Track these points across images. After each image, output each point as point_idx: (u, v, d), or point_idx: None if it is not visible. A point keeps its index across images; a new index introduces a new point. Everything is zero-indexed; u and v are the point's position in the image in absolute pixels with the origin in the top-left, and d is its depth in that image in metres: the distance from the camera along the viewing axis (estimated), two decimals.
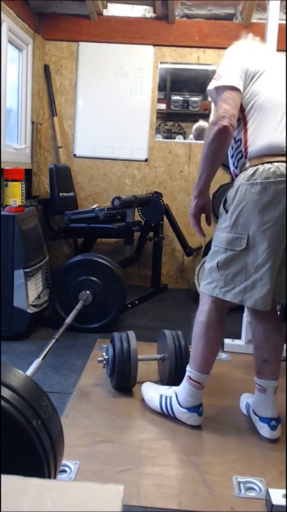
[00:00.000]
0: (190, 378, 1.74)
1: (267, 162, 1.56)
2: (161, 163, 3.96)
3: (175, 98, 3.90)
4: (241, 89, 1.61)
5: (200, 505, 1.35)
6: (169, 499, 1.36)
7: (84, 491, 0.53)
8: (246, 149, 1.63)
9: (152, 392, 1.89)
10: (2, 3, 3.00)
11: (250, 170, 1.59)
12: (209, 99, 1.69)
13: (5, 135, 3.27)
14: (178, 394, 1.78)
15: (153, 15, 3.81)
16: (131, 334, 2.06)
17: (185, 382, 1.76)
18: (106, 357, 2.02)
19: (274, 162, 1.56)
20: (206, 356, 1.73)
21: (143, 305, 3.18)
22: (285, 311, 2.35)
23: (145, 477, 1.46)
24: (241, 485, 1.44)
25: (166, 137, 3.98)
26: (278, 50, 2.46)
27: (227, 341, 2.54)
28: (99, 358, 2.05)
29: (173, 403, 1.78)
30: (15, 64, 3.62)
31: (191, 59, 3.86)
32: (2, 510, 0.48)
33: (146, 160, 3.97)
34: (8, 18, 3.21)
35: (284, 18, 3.23)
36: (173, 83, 3.95)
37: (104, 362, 2.03)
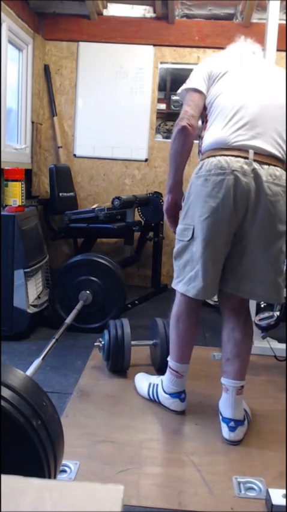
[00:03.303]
0: (170, 367, 1.85)
1: (211, 156, 1.63)
2: (161, 163, 3.96)
3: (175, 98, 3.90)
4: (204, 91, 1.71)
5: (200, 505, 1.35)
6: (169, 499, 1.36)
7: (84, 491, 0.53)
8: (201, 145, 1.74)
9: (143, 382, 2.00)
10: (2, 3, 3.00)
11: (199, 164, 1.67)
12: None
13: (5, 135, 3.27)
14: (163, 382, 1.89)
15: (153, 15, 3.81)
16: (125, 321, 2.23)
17: (167, 371, 1.87)
18: (103, 342, 2.19)
19: (217, 155, 1.62)
20: (179, 347, 1.81)
21: (143, 305, 3.18)
22: (285, 311, 2.35)
23: (145, 477, 1.46)
24: (241, 485, 1.44)
25: (166, 137, 3.98)
26: (278, 50, 2.47)
27: None
28: (96, 343, 2.22)
29: (159, 389, 1.90)
30: (15, 64, 3.61)
31: (191, 59, 3.85)
32: (2, 510, 0.48)
33: (146, 160, 3.97)
34: (8, 18, 3.21)
35: (284, 18, 3.23)
36: (173, 83, 3.94)
37: (101, 347, 2.19)
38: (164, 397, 1.87)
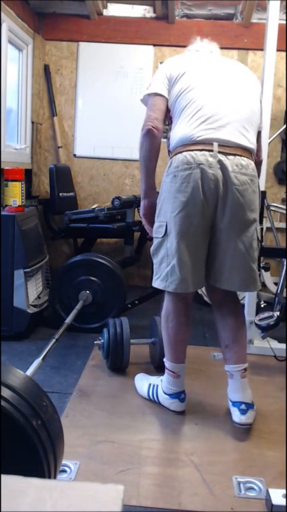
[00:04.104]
0: (166, 368, 1.86)
1: (178, 153, 1.67)
2: (161, 163, 3.92)
3: None
4: (165, 94, 1.76)
5: (200, 505, 1.35)
6: (169, 499, 1.36)
7: (84, 491, 0.53)
8: (169, 145, 1.78)
9: (143, 382, 2.01)
10: (2, 3, 3.00)
11: (168, 163, 1.71)
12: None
13: (5, 135, 3.27)
14: (162, 382, 1.89)
15: (153, 15, 3.81)
16: (125, 320, 2.24)
17: (165, 372, 1.88)
18: (102, 340, 2.20)
19: (183, 151, 1.65)
20: (172, 346, 1.83)
21: (143, 305, 3.18)
22: (285, 311, 2.35)
23: (145, 477, 1.46)
24: (241, 485, 1.44)
25: (166, 137, 3.97)
26: (278, 50, 2.47)
27: None
28: (95, 341, 2.22)
29: (159, 390, 1.90)
30: (15, 64, 3.62)
31: None
32: (2, 510, 0.48)
33: None
34: (8, 18, 3.21)
35: (284, 18, 3.23)
36: None
37: (100, 345, 2.20)
38: (163, 398, 1.87)
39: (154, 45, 3.86)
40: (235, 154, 1.64)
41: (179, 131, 1.70)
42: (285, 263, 2.93)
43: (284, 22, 2.92)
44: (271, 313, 2.49)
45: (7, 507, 0.49)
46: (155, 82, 1.79)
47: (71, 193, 3.83)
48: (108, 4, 3.82)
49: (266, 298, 3.17)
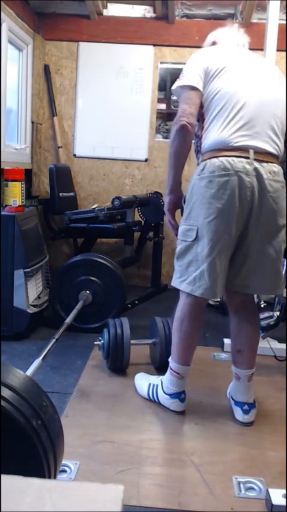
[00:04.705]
0: (171, 368, 1.85)
1: (214, 157, 1.64)
2: (161, 163, 3.96)
3: (175, 98, 3.89)
4: (201, 88, 1.69)
5: (200, 505, 1.35)
6: (169, 499, 1.36)
7: (84, 491, 0.53)
8: (200, 145, 1.73)
9: (143, 382, 2.01)
10: (2, 3, 3.00)
11: (201, 165, 1.68)
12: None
13: (5, 135, 3.27)
14: (163, 382, 1.89)
15: (153, 15, 3.81)
16: (125, 320, 2.24)
17: (168, 372, 1.87)
18: (102, 341, 2.20)
19: (219, 156, 1.63)
20: (183, 349, 1.82)
21: (143, 305, 3.18)
22: (285, 311, 2.35)
23: (145, 477, 1.46)
24: (241, 485, 1.44)
25: (166, 137, 3.98)
26: (278, 50, 2.47)
27: (227, 341, 2.54)
28: (96, 342, 2.22)
29: (159, 390, 1.90)
30: (15, 64, 3.61)
31: None
32: (2, 510, 0.48)
33: (146, 160, 3.97)
34: (8, 18, 3.21)
35: (284, 18, 3.23)
36: (173, 83, 3.94)
37: (100, 345, 2.21)
38: (164, 398, 1.87)
39: (154, 45, 3.85)
40: (267, 161, 1.64)
41: (215, 134, 1.65)
42: (285, 263, 2.93)
43: (284, 22, 2.92)
44: (271, 313, 2.49)
45: (7, 507, 0.49)
46: (190, 73, 1.71)
47: (71, 193, 3.83)
48: (108, 4, 3.82)
49: (266, 298, 3.17)
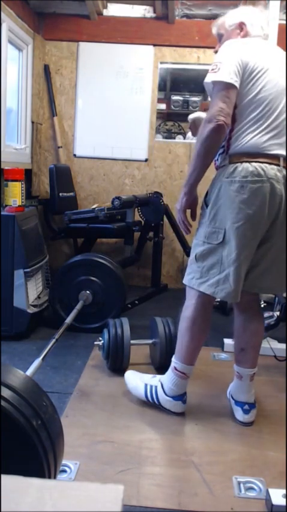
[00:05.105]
0: (175, 368, 1.82)
1: (246, 161, 1.61)
2: (161, 163, 3.96)
3: (175, 98, 3.90)
4: (238, 86, 1.59)
5: (200, 505, 1.35)
6: (169, 499, 1.36)
7: (84, 491, 0.53)
8: (229, 145, 1.66)
9: (136, 381, 1.95)
10: (2, 3, 3.00)
11: (230, 167, 1.63)
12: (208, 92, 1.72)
13: (5, 135, 3.27)
14: (163, 384, 1.85)
15: (153, 15, 3.81)
16: (125, 320, 2.24)
17: (170, 372, 1.84)
18: (102, 341, 2.20)
19: (252, 162, 1.61)
20: (191, 349, 1.80)
21: (143, 305, 3.18)
22: (285, 311, 2.35)
23: (145, 477, 1.46)
24: (241, 485, 1.44)
25: (166, 137, 3.98)
26: None
27: (227, 341, 2.54)
28: (96, 342, 2.22)
29: (159, 392, 1.85)
30: (15, 64, 3.61)
31: (191, 59, 3.85)
32: (2, 510, 0.48)
33: (146, 160, 3.97)
34: (8, 18, 3.21)
35: (284, 18, 3.23)
36: (173, 83, 3.95)
37: (100, 345, 2.20)
38: (165, 400, 1.84)
39: (154, 45, 3.85)
40: None
41: (249, 138, 1.62)
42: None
43: (284, 22, 2.92)
44: (271, 313, 2.49)
45: (7, 507, 0.49)
46: (227, 68, 1.58)
47: (71, 193, 3.83)
48: (108, 4, 3.82)
49: (266, 298, 3.17)
